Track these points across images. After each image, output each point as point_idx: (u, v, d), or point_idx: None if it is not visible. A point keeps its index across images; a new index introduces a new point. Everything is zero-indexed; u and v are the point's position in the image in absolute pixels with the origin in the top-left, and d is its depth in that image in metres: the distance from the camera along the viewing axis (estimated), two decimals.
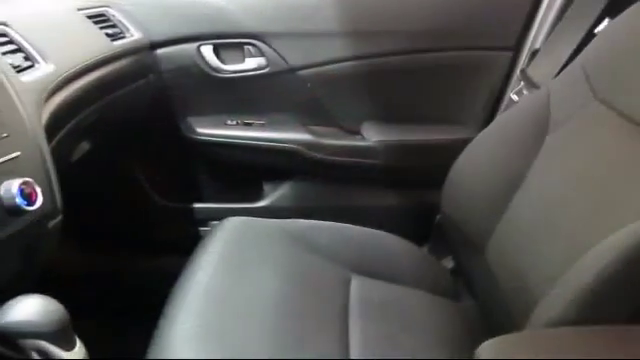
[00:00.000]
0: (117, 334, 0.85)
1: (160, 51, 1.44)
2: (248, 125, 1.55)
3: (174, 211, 1.61)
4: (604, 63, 1.03)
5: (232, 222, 1.24)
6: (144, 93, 1.37)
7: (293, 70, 1.50)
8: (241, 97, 1.54)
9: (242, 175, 1.61)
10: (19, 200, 0.69)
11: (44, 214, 0.75)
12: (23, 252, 0.77)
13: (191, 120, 1.54)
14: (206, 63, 1.48)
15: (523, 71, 1.42)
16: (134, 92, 1.30)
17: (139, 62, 1.32)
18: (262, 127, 1.55)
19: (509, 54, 1.48)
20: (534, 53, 1.42)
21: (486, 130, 1.21)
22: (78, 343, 0.68)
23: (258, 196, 1.62)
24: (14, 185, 0.69)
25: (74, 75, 1.00)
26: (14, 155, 0.73)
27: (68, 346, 0.66)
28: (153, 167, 1.60)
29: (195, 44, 1.46)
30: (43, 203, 0.72)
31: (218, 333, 0.93)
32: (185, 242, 1.32)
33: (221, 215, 1.34)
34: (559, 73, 1.21)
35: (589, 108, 1.01)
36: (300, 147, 1.52)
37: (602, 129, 0.97)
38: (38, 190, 0.71)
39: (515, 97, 1.42)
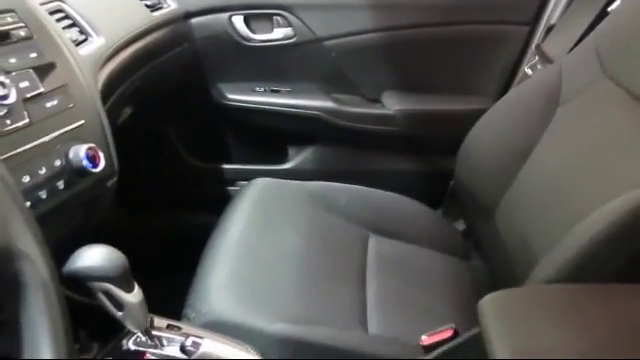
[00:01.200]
0: (158, 284, 0.93)
1: (194, 20, 1.48)
2: (275, 92, 1.59)
3: (205, 171, 1.66)
4: (614, 41, 1.05)
5: (259, 183, 1.31)
6: (179, 60, 1.42)
7: (319, 40, 1.53)
8: (269, 65, 1.57)
9: (268, 139, 1.65)
10: (85, 163, 0.78)
11: (104, 175, 0.84)
12: (86, 207, 0.86)
13: (222, 86, 1.59)
14: (237, 32, 1.51)
15: (538, 46, 1.43)
16: (170, 60, 1.35)
17: (175, 31, 1.37)
18: (288, 94, 1.59)
19: (526, 29, 1.49)
20: (549, 29, 1.43)
21: (500, 102, 1.24)
22: (136, 286, 0.74)
23: (283, 159, 1.67)
24: (82, 150, 0.78)
25: (120, 47, 1.08)
26: (79, 123, 0.82)
27: (129, 288, 0.73)
28: (186, 130, 1.65)
29: (227, 14, 1.49)
30: (104, 165, 0.81)
31: (249, 282, 1.02)
32: (215, 200, 1.39)
33: (249, 176, 1.41)
34: (572, 49, 1.23)
35: (598, 84, 1.04)
36: (323, 114, 1.56)
37: (609, 105, 1.00)
38: (101, 154, 0.80)
39: (529, 71, 1.43)
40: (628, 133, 0.94)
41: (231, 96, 1.58)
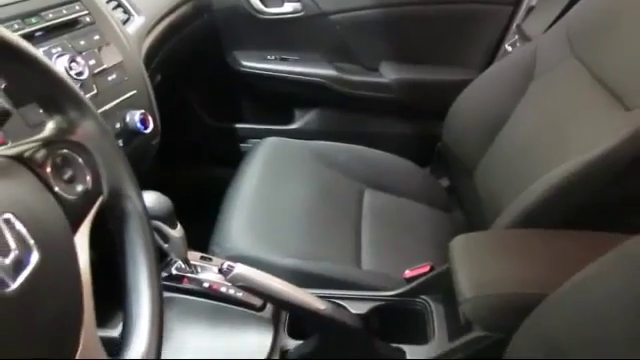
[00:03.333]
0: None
1: None
2: (284, 60, 1.68)
3: (221, 130, 1.76)
4: (582, 25, 1.15)
5: (269, 142, 1.42)
6: (200, 31, 1.52)
7: (324, 15, 1.61)
8: (279, 36, 1.66)
9: (278, 102, 1.75)
10: (139, 125, 0.94)
11: (152, 135, 1.00)
12: (137, 161, 1.01)
13: (237, 54, 1.68)
14: (251, 6, 1.60)
15: (519, 26, 1.53)
16: (193, 31, 1.46)
17: (197, 4, 1.47)
18: (296, 62, 1.67)
19: (509, 9, 1.57)
20: (530, 9, 1.52)
21: (483, 75, 1.34)
22: (178, 224, 0.89)
23: (290, 120, 1.77)
24: (137, 115, 0.93)
25: (155, 23, 1.20)
26: (132, 93, 0.97)
27: (173, 225, 0.87)
28: (205, 93, 1.74)
29: None
30: (152, 127, 0.98)
31: (263, 225, 1.16)
32: (229, 155, 1.52)
33: (259, 134, 1.53)
34: (547, 30, 1.31)
35: (566, 62, 1.14)
36: (327, 80, 1.65)
37: (573, 81, 1.11)
38: (150, 118, 0.97)
39: (509, 48, 1.53)
40: (586, 106, 1.06)
41: (245, 63, 1.67)
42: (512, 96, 1.23)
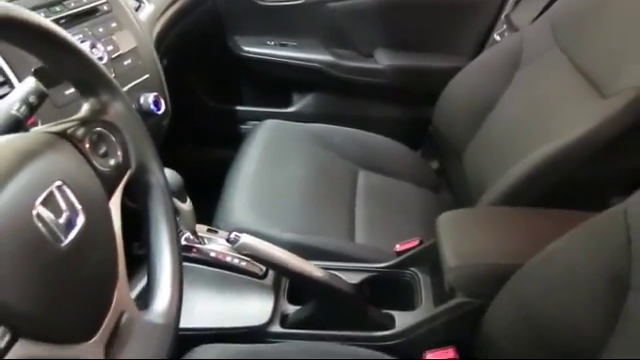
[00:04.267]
0: None
1: None
2: (283, 46, 1.73)
3: (222, 112, 1.81)
4: (566, 17, 1.21)
5: (268, 124, 1.48)
6: (203, 17, 1.57)
7: (322, 2, 1.66)
8: (279, 22, 1.71)
9: (276, 85, 1.79)
10: (152, 107, 1.00)
11: (163, 116, 1.06)
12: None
13: (238, 39, 1.73)
14: None
15: (507, 16, 1.59)
16: (197, 17, 1.51)
17: None
18: (294, 48, 1.72)
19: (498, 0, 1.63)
20: (518, 0, 1.58)
21: (472, 62, 1.40)
22: (188, 198, 0.96)
23: (288, 103, 1.81)
24: (150, 97, 1.00)
25: (164, 9, 1.26)
26: (146, 77, 1.04)
27: (183, 200, 0.94)
28: (207, 77, 1.79)
29: None
30: (164, 109, 1.05)
31: (264, 202, 1.23)
32: (230, 136, 1.58)
33: (258, 117, 1.59)
34: (534, 21, 1.38)
35: (550, 52, 1.21)
36: (324, 66, 1.69)
37: (556, 71, 1.18)
38: (162, 100, 1.04)
39: (498, 37, 1.59)
40: (566, 93, 1.13)
41: (245, 48, 1.72)
42: (500, 83, 1.29)
